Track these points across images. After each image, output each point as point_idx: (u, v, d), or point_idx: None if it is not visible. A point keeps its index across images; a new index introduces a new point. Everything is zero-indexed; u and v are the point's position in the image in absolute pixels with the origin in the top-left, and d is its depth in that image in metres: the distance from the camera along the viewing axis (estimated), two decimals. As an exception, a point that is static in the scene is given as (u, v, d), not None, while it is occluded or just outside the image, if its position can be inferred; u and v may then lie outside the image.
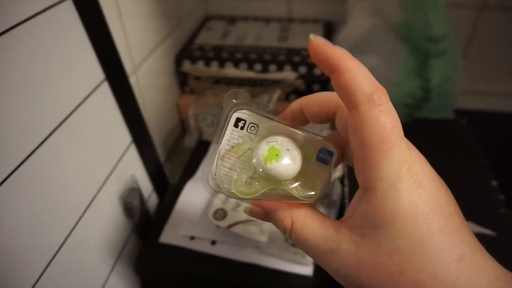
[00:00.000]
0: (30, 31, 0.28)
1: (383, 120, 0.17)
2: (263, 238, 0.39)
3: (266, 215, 0.22)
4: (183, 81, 0.63)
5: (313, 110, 0.22)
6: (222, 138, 0.23)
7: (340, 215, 0.42)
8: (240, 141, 0.23)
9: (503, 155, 0.63)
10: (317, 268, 0.39)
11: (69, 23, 0.32)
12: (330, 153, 0.23)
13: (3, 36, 0.25)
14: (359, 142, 0.18)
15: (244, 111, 0.23)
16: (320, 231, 0.20)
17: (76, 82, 0.33)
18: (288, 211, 0.21)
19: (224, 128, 0.23)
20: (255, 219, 0.40)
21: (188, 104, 0.62)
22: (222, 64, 0.61)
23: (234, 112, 0.23)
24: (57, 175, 0.31)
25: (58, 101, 0.31)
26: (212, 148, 0.24)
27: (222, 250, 0.40)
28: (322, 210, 0.41)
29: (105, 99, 0.38)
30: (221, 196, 0.22)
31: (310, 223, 0.21)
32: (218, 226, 0.40)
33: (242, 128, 0.23)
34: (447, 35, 0.55)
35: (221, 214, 0.41)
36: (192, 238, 0.41)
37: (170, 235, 0.42)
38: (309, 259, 0.38)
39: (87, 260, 0.36)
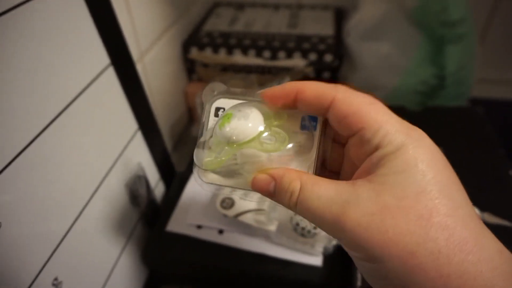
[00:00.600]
0: (34, 11, 0.27)
1: (361, 94, 0.20)
2: (272, 228, 0.38)
3: (271, 184, 0.21)
4: (190, 68, 0.62)
5: (308, 97, 0.21)
6: (205, 130, 0.23)
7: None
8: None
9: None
10: (327, 259, 0.38)
11: (74, 5, 0.31)
12: (314, 119, 0.22)
13: (5, 17, 0.24)
14: (355, 118, 0.19)
15: (222, 100, 0.23)
16: (333, 186, 0.19)
17: (81, 66, 0.32)
18: (297, 174, 0.20)
19: (206, 122, 0.23)
20: (264, 208, 0.39)
21: (195, 92, 0.61)
22: (230, 51, 0.59)
23: (212, 103, 0.24)
24: (61, 160, 0.30)
25: (62, 84, 0.30)
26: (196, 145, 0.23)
27: (230, 239, 0.39)
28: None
29: (111, 85, 0.37)
30: (226, 190, 0.22)
31: (321, 181, 0.19)
32: (225, 215, 0.40)
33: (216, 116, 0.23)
34: (464, 19, 0.52)
35: (228, 203, 0.40)
36: (199, 227, 0.41)
37: (177, 224, 0.41)
38: (319, 249, 0.37)
39: (93, 247, 0.35)
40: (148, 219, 0.43)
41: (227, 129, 0.21)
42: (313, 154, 0.22)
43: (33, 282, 0.27)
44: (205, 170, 0.22)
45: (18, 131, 0.26)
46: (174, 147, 0.59)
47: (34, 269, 0.28)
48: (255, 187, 0.21)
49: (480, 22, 0.66)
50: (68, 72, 0.31)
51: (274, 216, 0.38)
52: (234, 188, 0.23)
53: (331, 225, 0.18)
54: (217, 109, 0.23)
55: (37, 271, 0.28)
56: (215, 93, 0.24)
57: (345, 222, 0.18)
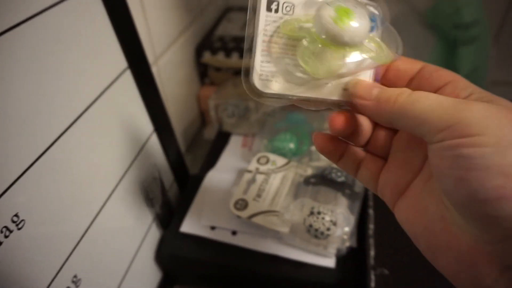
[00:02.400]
0: (55, 18, 0.28)
1: None
2: (285, 229, 0.38)
3: (375, 89, 0.20)
4: (203, 72, 0.63)
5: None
6: (257, 27, 0.20)
7: (364, 207, 0.41)
8: (286, 18, 0.19)
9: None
10: (340, 260, 0.38)
11: (93, 11, 0.32)
12: (374, 19, 0.20)
13: (29, 22, 0.25)
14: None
15: None
16: (443, 96, 0.18)
17: (99, 70, 0.33)
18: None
19: (256, 15, 0.19)
20: (277, 210, 0.39)
21: (208, 95, 0.62)
22: (242, 55, 0.60)
23: None
24: (80, 162, 0.31)
25: (83, 88, 0.31)
26: (247, 45, 0.20)
27: (243, 241, 0.40)
28: (344, 200, 0.40)
29: (128, 87, 0.38)
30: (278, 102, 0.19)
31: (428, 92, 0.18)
32: (239, 217, 0.40)
33: (276, 11, 0.20)
34: (478, 21, 0.52)
35: (242, 204, 0.40)
36: (213, 228, 0.41)
37: (191, 225, 0.42)
38: (332, 251, 0.37)
39: (110, 246, 0.36)
40: (163, 220, 0.44)
41: (349, 27, 0.18)
42: None
43: (54, 278, 0.28)
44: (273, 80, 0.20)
45: (42, 133, 0.27)
46: (187, 150, 0.60)
47: (55, 266, 0.29)
48: (356, 90, 0.20)
49: (494, 23, 0.66)
50: (89, 75, 0.32)
51: (287, 217, 0.39)
52: (306, 98, 0.20)
53: (441, 127, 0.17)
54: (270, 1, 0.19)
55: (58, 268, 0.29)
56: None
57: (455, 126, 0.16)
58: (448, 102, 0.17)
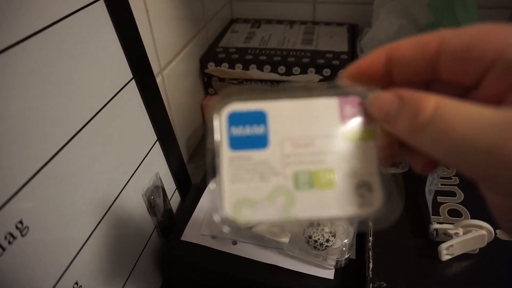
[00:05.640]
0: (64, 31, 0.29)
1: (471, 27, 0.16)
2: (285, 239, 0.38)
3: (394, 102, 0.16)
4: (207, 82, 0.64)
5: (406, 51, 0.16)
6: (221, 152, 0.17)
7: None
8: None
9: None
10: (339, 272, 0.38)
11: (100, 23, 0.33)
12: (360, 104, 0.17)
13: (40, 35, 0.26)
14: (483, 44, 0.15)
15: (236, 104, 0.17)
16: (485, 107, 0.14)
17: (106, 80, 0.34)
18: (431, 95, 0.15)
19: (221, 139, 0.17)
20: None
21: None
22: (246, 67, 0.61)
23: (224, 109, 0.17)
24: (84, 171, 0.32)
25: (88, 98, 0.32)
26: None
27: (243, 250, 0.40)
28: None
29: (132, 98, 0.38)
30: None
31: (464, 102, 0.14)
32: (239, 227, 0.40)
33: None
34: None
35: (242, 214, 0.41)
36: (213, 237, 0.41)
37: (192, 234, 0.42)
38: (331, 262, 0.38)
39: (111, 254, 0.36)
40: (164, 228, 0.44)
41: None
42: None
43: (55, 285, 0.29)
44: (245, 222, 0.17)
45: (48, 141, 0.28)
46: (189, 159, 0.61)
47: (57, 273, 0.29)
48: (374, 106, 0.17)
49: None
50: (95, 86, 0.33)
51: (287, 228, 0.39)
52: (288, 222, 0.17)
53: (485, 155, 0.13)
54: (232, 116, 0.17)
55: (60, 275, 0.29)
56: (224, 96, 0.18)
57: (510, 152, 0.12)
58: (493, 121, 0.13)
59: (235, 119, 0.17)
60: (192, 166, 0.60)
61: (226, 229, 0.17)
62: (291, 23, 0.73)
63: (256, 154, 0.17)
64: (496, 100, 0.15)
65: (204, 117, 0.65)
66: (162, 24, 0.48)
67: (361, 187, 0.17)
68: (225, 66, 0.61)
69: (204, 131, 0.67)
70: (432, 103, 0.14)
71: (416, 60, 0.16)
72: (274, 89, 0.17)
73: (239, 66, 0.61)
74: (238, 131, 0.18)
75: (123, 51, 0.36)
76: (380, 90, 0.17)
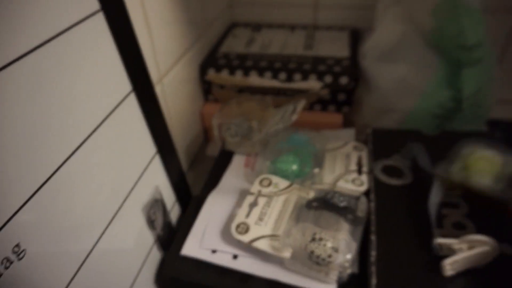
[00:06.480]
0: (64, 44, 0.28)
1: None
2: (286, 254, 0.38)
3: None
4: (207, 89, 0.63)
5: None
6: None
7: (366, 231, 0.40)
8: None
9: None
10: (341, 287, 0.37)
11: (99, 36, 0.32)
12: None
13: (39, 50, 0.26)
14: None
15: None
16: None
17: (105, 94, 0.34)
18: None
19: None
20: (278, 234, 0.39)
21: (211, 112, 0.62)
22: (246, 73, 0.60)
23: None
24: (84, 186, 0.31)
25: (88, 112, 0.31)
26: None
27: (244, 265, 0.39)
28: (346, 226, 0.40)
29: (132, 111, 0.38)
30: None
31: None
32: (240, 241, 0.40)
33: None
34: (481, 44, 0.52)
35: (243, 228, 0.40)
36: (214, 251, 0.41)
37: (192, 248, 0.42)
38: (333, 278, 0.37)
39: (111, 269, 0.36)
40: (164, 242, 0.44)
41: None
42: None
43: (53, 307, 0.28)
44: None
45: (47, 159, 0.27)
46: (189, 167, 0.60)
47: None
48: None
49: (499, 43, 0.66)
50: (94, 100, 0.32)
51: (289, 242, 0.38)
52: None
53: None
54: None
55: (58, 297, 0.29)
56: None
57: None
58: None
59: None
60: (192, 174, 0.59)
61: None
62: (292, 27, 0.73)
63: None
64: None
65: (204, 124, 0.64)
66: (161, 30, 0.47)
67: None
68: (225, 73, 0.61)
69: (203, 138, 0.66)
70: None
71: None
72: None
73: (239, 72, 0.60)
74: None
75: (122, 64, 0.35)
76: None
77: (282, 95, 0.60)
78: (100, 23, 0.32)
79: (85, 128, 0.31)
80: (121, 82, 0.36)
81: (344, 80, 0.58)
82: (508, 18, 0.64)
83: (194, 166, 0.61)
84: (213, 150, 0.62)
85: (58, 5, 0.28)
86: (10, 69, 0.24)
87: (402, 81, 0.59)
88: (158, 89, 0.46)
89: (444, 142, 0.51)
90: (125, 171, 0.37)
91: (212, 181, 0.50)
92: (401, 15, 0.59)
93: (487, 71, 0.54)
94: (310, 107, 0.60)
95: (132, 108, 0.38)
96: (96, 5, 0.32)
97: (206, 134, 0.66)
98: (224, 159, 0.53)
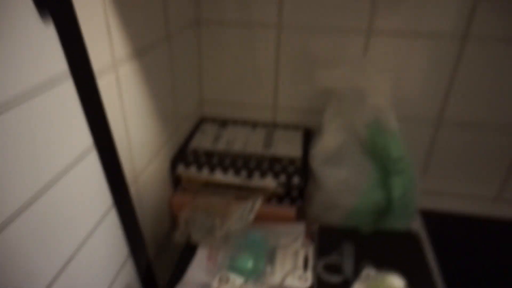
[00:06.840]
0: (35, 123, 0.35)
1: None
2: None
3: None
4: (176, 181, 0.71)
5: None
6: None
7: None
8: None
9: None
10: None
11: (91, 171, 0.40)
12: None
13: (9, 113, 0.33)
14: None
15: None
16: None
17: (87, 212, 0.40)
18: None
19: None
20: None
21: (180, 201, 0.69)
22: (212, 170, 0.69)
23: None
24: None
25: (69, 230, 0.38)
26: None
27: None
28: None
29: (112, 227, 0.45)
30: None
31: None
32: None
33: None
34: (403, 158, 0.65)
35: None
36: None
37: None
38: None
39: None
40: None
41: None
42: None
43: None
44: None
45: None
46: (156, 254, 0.65)
47: None
48: None
49: (422, 152, 0.80)
50: (76, 219, 0.39)
51: None
52: None
53: None
54: None
55: None
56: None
57: None
58: None
59: None
60: (159, 263, 0.65)
61: None
62: (254, 125, 0.84)
63: None
64: None
65: (172, 213, 0.71)
66: (138, 134, 0.55)
67: None
68: (193, 169, 0.69)
69: (171, 225, 0.72)
70: None
71: None
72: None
73: (206, 168, 0.69)
74: None
75: (106, 183, 0.43)
76: None
77: (244, 191, 0.69)
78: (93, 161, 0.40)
79: (63, 255, 0.37)
80: (103, 197, 0.43)
81: (296, 180, 0.68)
82: (428, 130, 0.78)
83: (161, 254, 0.67)
84: (180, 239, 0.68)
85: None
86: None
87: (344, 182, 0.69)
88: (133, 190, 0.53)
89: (375, 241, 0.61)
90: (97, 276, 0.43)
91: (177, 274, 0.56)
92: (343, 125, 0.72)
93: (410, 180, 0.66)
94: (267, 201, 0.69)
95: (113, 225, 0.45)
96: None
97: (173, 223, 0.72)
98: (189, 253, 0.60)
